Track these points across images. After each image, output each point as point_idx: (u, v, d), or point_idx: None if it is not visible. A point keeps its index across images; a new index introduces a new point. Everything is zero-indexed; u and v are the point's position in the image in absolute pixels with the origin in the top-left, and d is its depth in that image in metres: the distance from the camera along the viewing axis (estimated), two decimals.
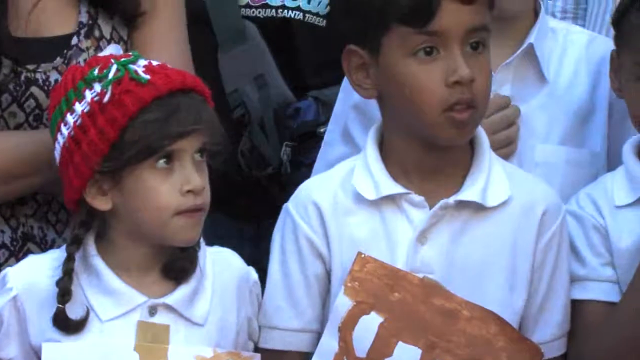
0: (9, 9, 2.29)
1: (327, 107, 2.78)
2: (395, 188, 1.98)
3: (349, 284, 1.90)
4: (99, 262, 2.00)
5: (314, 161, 2.62)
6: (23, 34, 2.30)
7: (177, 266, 2.03)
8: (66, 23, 2.33)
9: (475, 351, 1.93)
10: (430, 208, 2.03)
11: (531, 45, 2.39)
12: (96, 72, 2.01)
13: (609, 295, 2.11)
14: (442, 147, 2.01)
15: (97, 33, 2.31)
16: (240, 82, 2.83)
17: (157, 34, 2.39)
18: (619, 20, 2.29)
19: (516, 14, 2.44)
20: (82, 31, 2.28)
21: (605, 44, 2.48)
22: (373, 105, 2.15)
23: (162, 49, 2.35)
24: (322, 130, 2.77)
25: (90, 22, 2.28)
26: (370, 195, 1.99)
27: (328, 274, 2.04)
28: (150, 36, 2.39)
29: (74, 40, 2.28)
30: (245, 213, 2.82)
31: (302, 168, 2.71)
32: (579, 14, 3.10)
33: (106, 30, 2.32)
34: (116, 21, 2.34)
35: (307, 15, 2.84)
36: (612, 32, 2.55)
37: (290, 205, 2.10)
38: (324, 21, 2.86)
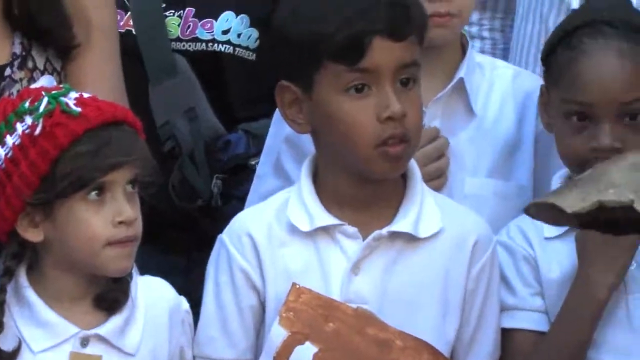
0: None
1: (257, 139, 2.80)
2: (329, 219, 2.00)
3: (284, 315, 1.92)
4: (30, 294, 1.99)
5: (244, 193, 2.62)
6: None
7: (110, 297, 2.03)
8: None
9: None
10: (364, 239, 2.05)
11: (461, 80, 2.43)
12: (27, 104, 2.01)
13: (538, 325, 2.16)
14: (375, 180, 2.05)
15: (30, 64, 2.30)
16: (171, 115, 2.83)
17: (91, 66, 2.38)
18: (548, 57, 2.34)
19: (443, 44, 2.47)
20: (16, 62, 2.28)
21: (531, 79, 2.55)
22: (305, 138, 2.18)
23: (96, 81, 2.34)
24: (252, 162, 2.78)
25: (23, 53, 2.28)
26: (305, 226, 2.01)
27: (262, 305, 2.05)
28: (84, 68, 2.38)
29: (7, 72, 2.28)
30: (176, 245, 2.82)
31: (232, 200, 2.72)
32: (496, 54, 3.15)
33: (40, 62, 2.31)
34: (50, 53, 2.33)
35: (237, 49, 2.85)
36: (538, 68, 2.60)
37: (225, 237, 2.11)
38: (254, 55, 2.88)
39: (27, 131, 2.01)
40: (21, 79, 2.29)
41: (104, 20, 2.46)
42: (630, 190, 1.60)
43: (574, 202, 1.63)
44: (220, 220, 2.46)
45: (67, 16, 2.38)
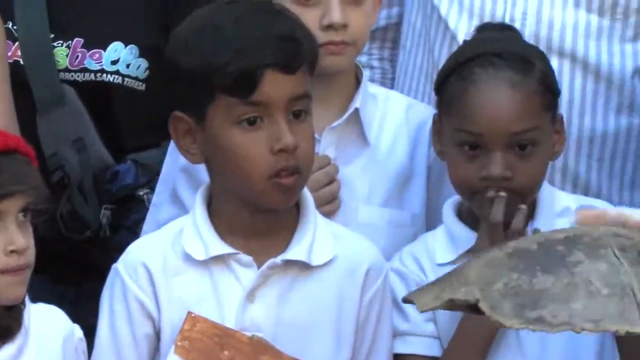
0: None
1: (146, 169, 2.82)
2: (224, 248, 2.04)
3: (179, 343, 1.94)
4: None
5: (133, 223, 2.67)
6: None
7: (3, 325, 2.03)
8: None
9: None
10: (259, 267, 2.10)
11: (357, 110, 2.46)
12: None
13: (431, 350, 2.22)
14: (269, 210, 2.09)
15: None
16: (59, 145, 2.81)
17: None
18: (440, 86, 2.40)
19: (338, 72, 2.51)
20: None
21: (424, 110, 2.59)
22: (200, 167, 2.21)
23: None
24: (141, 193, 2.80)
25: None
26: (200, 255, 2.04)
27: (157, 334, 2.08)
28: None
29: None
30: (65, 275, 2.79)
31: (121, 231, 2.73)
32: (386, 83, 3.12)
33: None
34: None
35: (127, 79, 2.86)
36: (426, 97, 2.69)
37: (120, 266, 2.13)
38: (144, 85, 2.88)
39: None
40: None
41: None
42: (479, 288, 1.62)
43: (427, 301, 1.68)
44: (109, 250, 2.52)
45: None
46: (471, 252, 2.33)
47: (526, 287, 1.54)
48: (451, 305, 1.61)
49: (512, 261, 1.60)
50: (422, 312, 1.68)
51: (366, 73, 2.79)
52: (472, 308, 1.63)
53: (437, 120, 2.38)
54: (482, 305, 1.55)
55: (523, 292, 1.53)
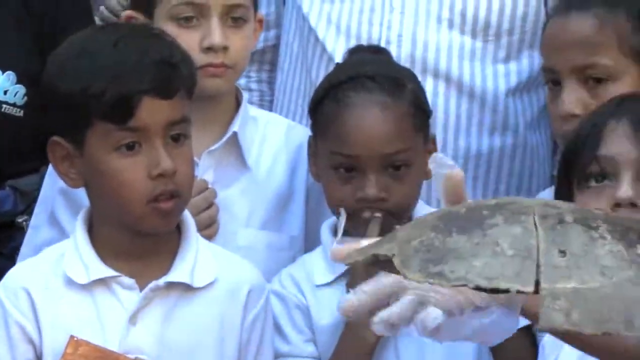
0: None
1: (25, 196, 2.82)
2: (106, 271, 2.06)
3: None
4: None
5: (12, 251, 2.67)
6: None
7: None
8: None
9: None
10: (141, 290, 2.12)
11: (235, 134, 2.48)
12: None
13: None
14: (149, 233, 2.13)
15: None
16: None
17: None
18: (315, 109, 2.43)
19: (218, 95, 2.52)
20: None
21: (303, 132, 2.58)
22: (80, 190, 2.23)
23: None
24: (20, 220, 2.80)
25: None
26: (82, 279, 2.06)
27: (39, 359, 2.08)
28: None
29: None
30: None
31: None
32: (264, 106, 3.11)
33: None
34: None
35: (4, 106, 2.84)
36: (304, 120, 2.70)
37: (0, 291, 2.13)
38: (22, 112, 2.87)
39: None
40: None
41: None
42: (399, 245, 1.59)
43: (354, 254, 1.62)
44: None
45: None
46: (349, 272, 2.37)
47: (438, 244, 1.52)
48: (375, 259, 1.55)
49: (436, 222, 1.58)
50: (347, 264, 1.62)
51: (245, 95, 2.81)
52: (393, 265, 1.61)
53: (313, 143, 2.42)
54: (395, 260, 1.52)
55: (434, 249, 1.51)
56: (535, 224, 1.49)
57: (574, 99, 2.40)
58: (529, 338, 2.48)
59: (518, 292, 1.37)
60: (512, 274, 1.41)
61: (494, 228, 1.51)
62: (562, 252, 1.41)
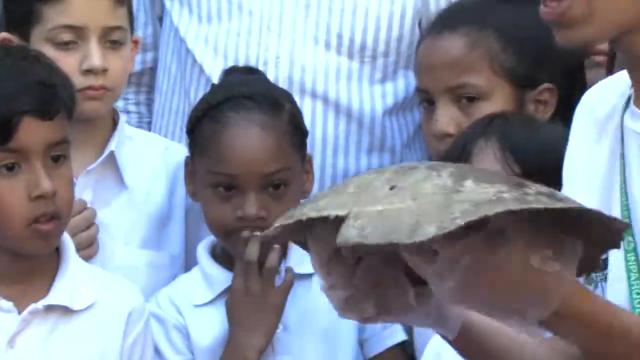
0: None
1: None
2: None
3: None
4: None
5: None
6: None
7: None
8: None
9: None
10: (20, 313, 2.11)
11: (112, 153, 2.49)
12: None
13: None
14: (29, 255, 2.13)
15: None
16: None
17: None
18: (193, 129, 2.46)
19: (96, 117, 2.53)
20: None
21: (182, 151, 2.60)
22: None
23: None
24: None
25: None
26: None
27: None
28: None
29: None
30: None
31: None
32: (143, 127, 3.16)
33: None
34: None
35: None
36: (183, 140, 2.70)
37: None
38: None
39: None
40: None
41: None
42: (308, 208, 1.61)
43: (282, 219, 1.64)
44: None
45: None
46: (228, 291, 2.42)
47: (319, 196, 1.57)
48: (299, 225, 1.58)
49: (341, 187, 1.61)
50: (276, 226, 1.60)
51: (123, 117, 2.81)
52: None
53: (190, 162, 2.44)
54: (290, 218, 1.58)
55: (309, 202, 1.57)
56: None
57: (447, 119, 2.46)
58: (405, 356, 2.57)
59: (337, 218, 1.41)
60: (337, 205, 1.46)
61: (367, 179, 1.55)
62: (392, 187, 1.45)
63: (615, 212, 1.83)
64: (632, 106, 1.85)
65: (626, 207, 1.84)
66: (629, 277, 1.80)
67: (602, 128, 1.92)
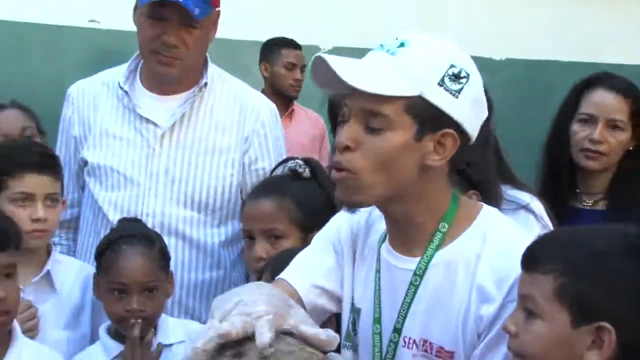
0: None
1: None
2: None
3: None
4: None
5: None
6: None
7: None
8: None
9: None
10: None
11: (48, 271, 2.87)
12: None
13: None
14: None
15: None
16: None
17: None
18: (99, 256, 2.82)
19: (38, 248, 2.88)
20: None
21: (91, 269, 2.94)
22: None
23: None
24: None
25: None
26: None
27: None
28: None
29: None
30: None
31: None
32: (70, 254, 3.32)
33: None
34: None
35: None
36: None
37: None
38: None
39: None
40: None
41: None
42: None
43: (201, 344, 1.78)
44: None
45: None
46: (119, 356, 2.73)
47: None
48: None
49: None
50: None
51: (57, 248, 3.20)
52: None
53: (96, 276, 2.80)
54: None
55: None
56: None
57: (262, 250, 2.80)
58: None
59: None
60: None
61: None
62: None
63: (370, 305, 2.08)
64: (386, 243, 2.08)
65: (378, 304, 2.07)
66: (373, 351, 2.08)
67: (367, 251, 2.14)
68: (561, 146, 3.28)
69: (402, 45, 1.95)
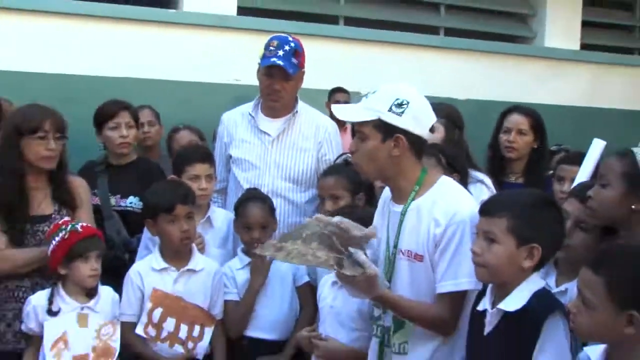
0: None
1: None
2: None
3: None
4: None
5: None
6: (35, 213, 3.75)
7: None
8: (47, 209, 3.78)
9: None
10: None
11: (209, 216, 3.96)
12: (63, 226, 3.54)
13: None
14: None
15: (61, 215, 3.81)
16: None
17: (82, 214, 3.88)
18: (237, 207, 3.81)
19: (204, 204, 3.95)
20: (55, 214, 3.79)
21: (232, 215, 3.98)
22: None
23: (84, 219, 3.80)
24: None
25: (57, 209, 3.84)
26: None
27: None
28: (80, 215, 3.87)
29: (53, 216, 3.79)
30: None
31: None
32: (220, 206, 4.25)
33: (63, 213, 3.81)
34: (66, 209, 3.84)
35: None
36: None
37: None
38: None
39: (61, 235, 3.50)
40: (55, 217, 3.77)
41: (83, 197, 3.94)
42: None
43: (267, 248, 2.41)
44: None
45: (75, 197, 3.87)
46: (248, 264, 3.73)
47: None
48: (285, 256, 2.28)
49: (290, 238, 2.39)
50: (262, 254, 2.39)
51: (215, 204, 4.26)
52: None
53: (235, 220, 3.70)
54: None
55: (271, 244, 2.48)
56: (304, 237, 2.51)
57: (328, 206, 3.63)
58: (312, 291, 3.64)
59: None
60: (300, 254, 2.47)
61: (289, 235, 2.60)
62: (288, 240, 2.48)
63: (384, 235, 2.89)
64: (390, 199, 2.90)
65: (387, 231, 2.88)
66: (384, 259, 2.84)
67: (384, 208, 3.03)
68: (496, 146, 4.90)
69: (373, 92, 2.78)
